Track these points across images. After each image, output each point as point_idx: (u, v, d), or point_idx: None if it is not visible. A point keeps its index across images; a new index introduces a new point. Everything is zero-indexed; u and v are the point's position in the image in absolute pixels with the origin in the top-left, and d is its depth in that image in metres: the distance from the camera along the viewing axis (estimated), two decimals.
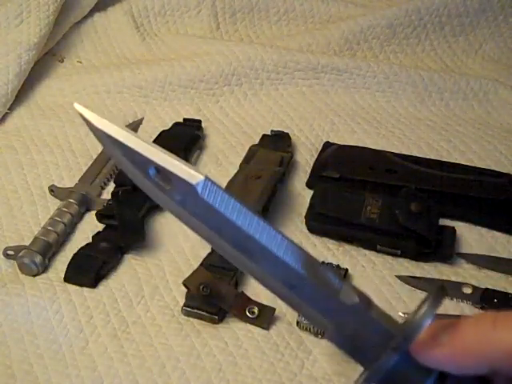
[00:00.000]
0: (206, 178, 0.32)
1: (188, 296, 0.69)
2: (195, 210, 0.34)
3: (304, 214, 0.79)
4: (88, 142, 0.91)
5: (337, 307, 0.34)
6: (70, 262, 0.73)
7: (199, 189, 0.32)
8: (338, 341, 0.35)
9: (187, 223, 0.36)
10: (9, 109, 0.96)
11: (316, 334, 0.66)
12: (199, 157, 0.89)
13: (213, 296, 0.67)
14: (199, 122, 0.93)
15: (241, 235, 0.34)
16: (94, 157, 0.88)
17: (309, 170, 0.86)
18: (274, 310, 0.68)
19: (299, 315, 0.67)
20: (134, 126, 0.94)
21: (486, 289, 0.71)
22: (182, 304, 0.69)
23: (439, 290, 0.34)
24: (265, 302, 0.68)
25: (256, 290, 0.70)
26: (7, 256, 0.74)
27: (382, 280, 0.72)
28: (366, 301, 0.34)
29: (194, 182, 0.32)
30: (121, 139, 0.34)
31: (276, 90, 1.00)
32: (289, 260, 0.34)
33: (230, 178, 0.80)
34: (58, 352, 0.66)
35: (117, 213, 0.76)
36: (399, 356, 0.33)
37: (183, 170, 0.32)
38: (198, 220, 0.35)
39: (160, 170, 0.33)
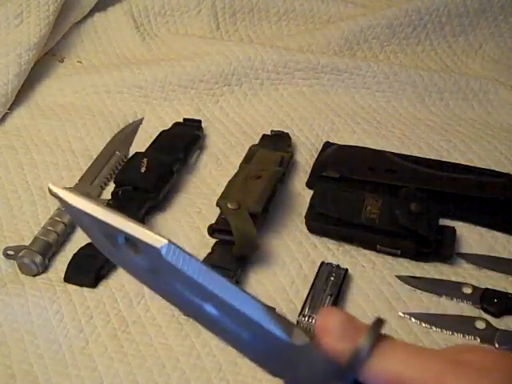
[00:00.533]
0: (169, 241, 0.35)
1: None
2: (160, 271, 0.37)
3: (304, 213, 0.79)
4: (88, 142, 0.91)
5: (290, 350, 0.36)
6: (69, 262, 0.73)
7: (163, 251, 0.35)
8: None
9: (154, 287, 0.40)
10: (9, 109, 0.96)
11: None
12: (199, 157, 0.89)
13: None
14: (199, 122, 0.93)
15: (202, 291, 0.36)
16: (94, 157, 0.88)
17: (309, 170, 0.86)
18: (273, 310, 0.68)
19: (299, 315, 0.67)
20: (134, 126, 0.94)
21: (486, 289, 0.71)
22: None
23: (377, 322, 0.35)
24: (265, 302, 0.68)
25: (256, 290, 0.70)
26: (7, 256, 0.74)
27: (381, 280, 0.72)
28: (316, 339, 0.36)
29: (158, 245, 0.35)
30: (92, 213, 0.38)
31: (276, 90, 1.00)
32: (248, 312, 0.36)
33: (230, 178, 0.80)
34: (58, 352, 0.66)
35: None
36: None
37: (149, 236, 0.35)
38: (164, 283, 0.37)
39: (128, 237, 0.36)
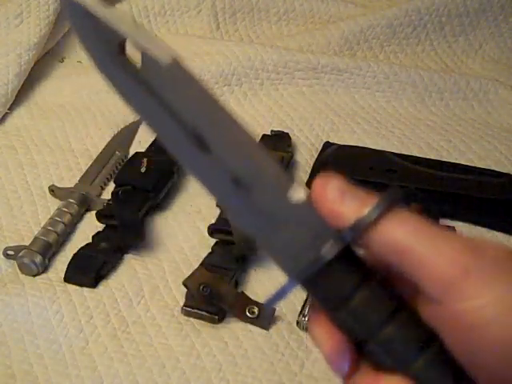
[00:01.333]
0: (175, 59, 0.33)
1: (188, 296, 0.69)
2: (161, 89, 0.34)
3: None
4: (88, 142, 0.91)
5: (285, 205, 0.34)
6: (69, 262, 0.73)
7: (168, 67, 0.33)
8: (272, 247, 0.34)
9: (148, 109, 0.36)
10: (9, 109, 0.96)
11: None
12: None
13: (213, 296, 0.67)
14: None
15: (201, 118, 0.34)
16: (94, 157, 0.88)
17: (309, 170, 0.86)
18: (274, 310, 0.68)
19: (299, 315, 0.67)
20: (134, 126, 0.94)
21: None
22: (182, 304, 0.69)
23: (393, 190, 0.34)
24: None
25: (256, 290, 0.70)
26: (7, 256, 0.74)
27: None
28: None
29: (164, 61, 0.33)
30: (94, 11, 0.33)
31: (276, 90, 1.00)
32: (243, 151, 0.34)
33: None
34: (58, 352, 0.66)
35: (117, 213, 0.76)
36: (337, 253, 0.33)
37: (158, 47, 0.33)
38: (162, 102, 0.34)
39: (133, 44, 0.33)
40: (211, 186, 0.35)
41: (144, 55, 0.33)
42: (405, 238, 0.32)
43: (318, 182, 0.34)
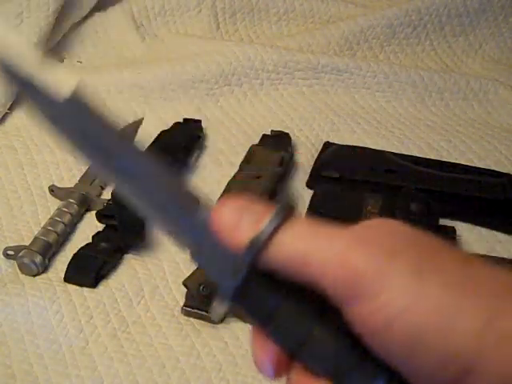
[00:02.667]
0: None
1: (188, 296, 0.69)
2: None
3: (304, 213, 0.79)
4: None
5: (195, 232, 0.34)
6: (69, 262, 0.73)
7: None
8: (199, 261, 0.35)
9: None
10: (9, 109, 0.96)
11: None
12: (199, 157, 0.89)
13: (213, 296, 0.67)
14: (199, 122, 0.93)
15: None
16: None
17: (309, 170, 0.86)
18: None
19: None
20: (135, 126, 0.94)
21: None
22: (181, 304, 0.69)
23: (284, 204, 0.33)
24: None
25: None
26: (7, 256, 0.74)
27: None
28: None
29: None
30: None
31: (276, 89, 1.00)
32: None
33: (229, 178, 0.80)
34: (58, 352, 0.66)
35: (117, 213, 0.76)
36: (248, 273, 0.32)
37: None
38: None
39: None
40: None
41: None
42: (301, 247, 0.31)
43: (215, 208, 0.33)
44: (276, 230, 0.31)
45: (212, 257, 0.33)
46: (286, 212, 0.32)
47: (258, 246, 0.31)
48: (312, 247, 0.31)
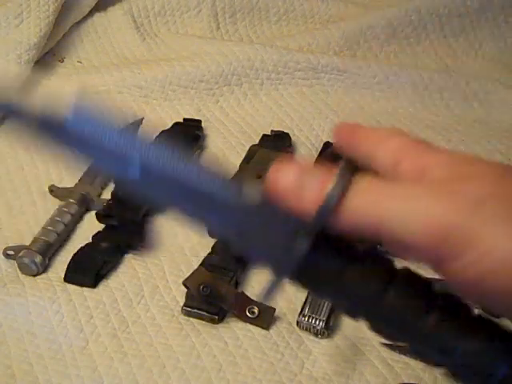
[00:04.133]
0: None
1: (188, 296, 0.69)
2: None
3: None
4: None
5: (243, 211, 0.33)
6: (69, 262, 0.73)
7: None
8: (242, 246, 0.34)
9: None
10: None
11: (316, 334, 0.66)
12: (199, 157, 0.89)
13: (213, 296, 0.67)
14: (199, 122, 0.93)
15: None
16: None
17: None
18: (274, 309, 0.68)
19: (299, 315, 0.67)
20: (134, 126, 0.94)
21: None
22: (182, 304, 0.69)
23: (347, 162, 0.31)
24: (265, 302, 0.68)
25: (256, 290, 0.70)
26: (7, 256, 0.74)
27: None
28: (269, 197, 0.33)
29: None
30: None
31: (276, 90, 1.00)
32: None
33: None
34: (58, 352, 0.66)
35: (117, 213, 0.76)
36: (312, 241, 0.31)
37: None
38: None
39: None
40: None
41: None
42: (375, 210, 0.30)
43: (271, 174, 0.32)
44: (344, 192, 0.30)
45: (264, 233, 0.32)
46: (350, 171, 0.31)
47: (328, 209, 0.30)
48: (388, 210, 0.29)
